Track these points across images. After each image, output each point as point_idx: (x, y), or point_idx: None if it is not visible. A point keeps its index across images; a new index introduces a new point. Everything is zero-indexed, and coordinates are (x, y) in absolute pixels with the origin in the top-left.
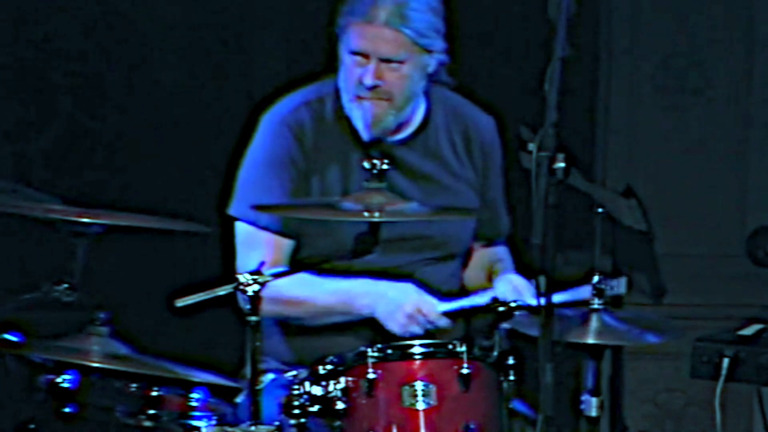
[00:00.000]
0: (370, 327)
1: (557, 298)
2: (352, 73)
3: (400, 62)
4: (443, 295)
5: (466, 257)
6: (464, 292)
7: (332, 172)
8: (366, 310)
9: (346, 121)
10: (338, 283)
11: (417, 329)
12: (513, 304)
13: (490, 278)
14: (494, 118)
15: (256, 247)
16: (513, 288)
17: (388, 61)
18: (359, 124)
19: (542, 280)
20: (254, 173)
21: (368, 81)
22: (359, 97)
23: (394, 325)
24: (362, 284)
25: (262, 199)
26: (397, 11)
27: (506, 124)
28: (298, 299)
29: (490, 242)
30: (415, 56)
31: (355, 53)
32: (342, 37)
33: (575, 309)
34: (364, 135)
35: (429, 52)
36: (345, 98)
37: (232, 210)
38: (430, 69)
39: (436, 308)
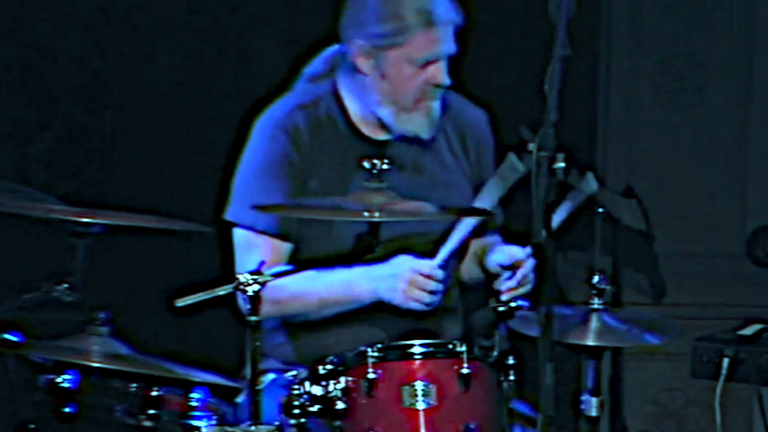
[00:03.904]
0: (371, 321)
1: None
2: (415, 80)
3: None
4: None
5: (462, 251)
6: (460, 285)
7: (329, 174)
8: (368, 295)
9: (343, 121)
10: (337, 274)
11: (420, 294)
12: (513, 304)
13: (481, 261)
14: (486, 112)
15: (254, 251)
16: (507, 254)
17: (448, 57)
18: (420, 127)
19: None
20: (251, 177)
21: (446, 80)
22: (422, 100)
23: (397, 296)
24: (359, 271)
25: (259, 202)
26: (447, 5)
27: (500, 120)
28: (299, 294)
29: (482, 233)
30: None
31: (425, 61)
32: (393, 50)
33: (575, 308)
34: (426, 135)
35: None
36: (394, 110)
37: (228, 215)
38: None
39: (431, 264)
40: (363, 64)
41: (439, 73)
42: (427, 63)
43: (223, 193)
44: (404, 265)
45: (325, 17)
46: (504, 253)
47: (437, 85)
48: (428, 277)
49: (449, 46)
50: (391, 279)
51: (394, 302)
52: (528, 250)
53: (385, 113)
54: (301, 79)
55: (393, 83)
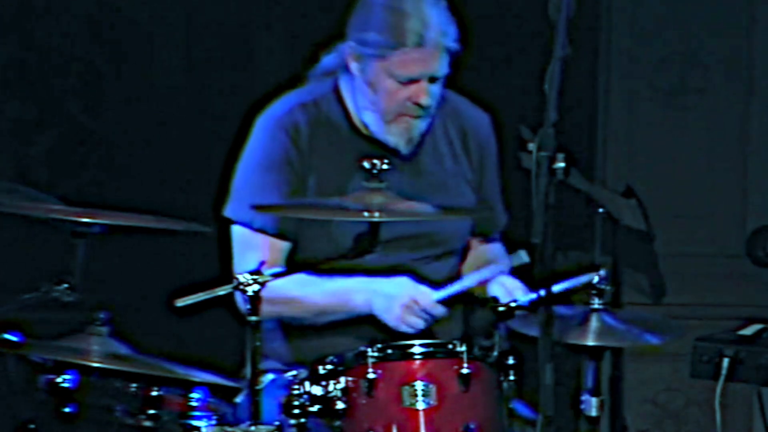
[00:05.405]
0: (370, 325)
1: (556, 288)
2: (397, 95)
3: (442, 77)
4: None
5: (463, 252)
6: None
7: (328, 173)
8: (363, 307)
9: (344, 120)
10: (335, 282)
11: (414, 321)
12: (513, 304)
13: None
14: (489, 115)
15: (252, 250)
16: (505, 290)
17: (434, 79)
18: (399, 140)
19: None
20: (250, 175)
21: (426, 101)
22: (403, 115)
23: (391, 318)
24: (358, 282)
25: (258, 201)
26: (442, 30)
27: (501, 120)
28: (295, 299)
29: (486, 237)
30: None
31: (407, 79)
32: (377, 62)
33: (574, 307)
34: (405, 150)
35: (453, 54)
36: (377, 117)
37: (227, 212)
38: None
39: (431, 297)
40: (353, 66)
41: (422, 93)
42: (410, 81)
43: (223, 189)
44: (404, 289)
45: (326, 16)
46: (504, 290)
47: (418, 105)
48: (425, 310)
49: (436, 69)
50: (388, 300)
51: (387, 323)
52: (528, 295)
53: (369, 119)
54: (313, 73)
55: (375, 92)
